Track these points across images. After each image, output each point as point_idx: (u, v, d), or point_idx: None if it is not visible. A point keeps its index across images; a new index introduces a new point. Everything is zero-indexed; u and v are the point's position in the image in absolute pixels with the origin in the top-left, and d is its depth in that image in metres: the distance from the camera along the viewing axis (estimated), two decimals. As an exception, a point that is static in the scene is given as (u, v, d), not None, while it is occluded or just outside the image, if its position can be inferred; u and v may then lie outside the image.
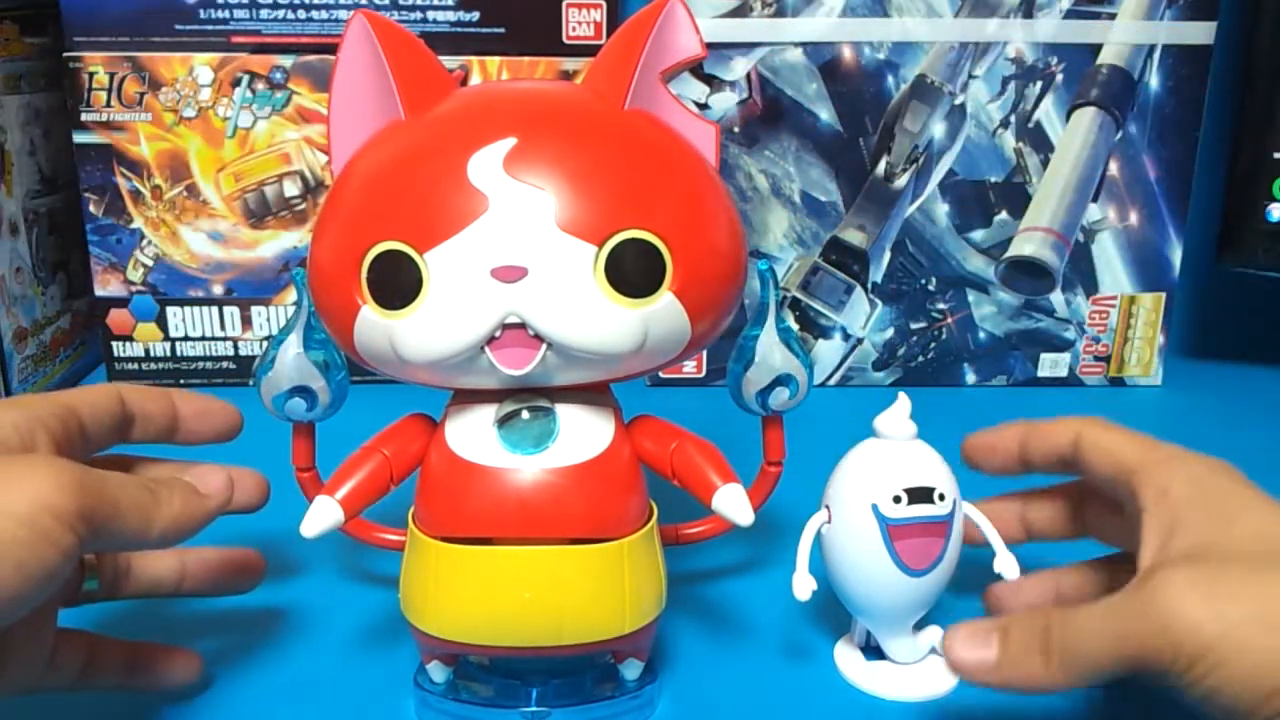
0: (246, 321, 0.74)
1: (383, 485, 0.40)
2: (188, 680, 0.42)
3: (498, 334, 0.36)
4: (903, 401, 0.43)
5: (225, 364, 0.75)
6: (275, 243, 0.72)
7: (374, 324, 0.37)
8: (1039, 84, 0.72)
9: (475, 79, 0.70)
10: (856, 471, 0.42)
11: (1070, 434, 0.41)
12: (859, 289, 0.75)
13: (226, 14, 0.69)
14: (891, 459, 0.42)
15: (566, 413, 0.39)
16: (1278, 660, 0.30)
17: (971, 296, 0.76)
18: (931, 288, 0.75)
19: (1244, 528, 0.34)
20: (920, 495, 0.41)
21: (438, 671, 0.41)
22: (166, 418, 0.43)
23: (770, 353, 0.42)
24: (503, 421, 0.38)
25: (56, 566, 0.32)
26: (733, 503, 0.39)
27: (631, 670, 0.42)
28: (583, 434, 0.39)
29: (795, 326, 0.39)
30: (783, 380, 0.42)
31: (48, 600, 0.34)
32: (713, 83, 0.71)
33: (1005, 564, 0.42)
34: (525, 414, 0.38)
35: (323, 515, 0.39)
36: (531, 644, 0.38)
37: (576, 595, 0.38)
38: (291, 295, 0.73)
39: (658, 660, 0.44)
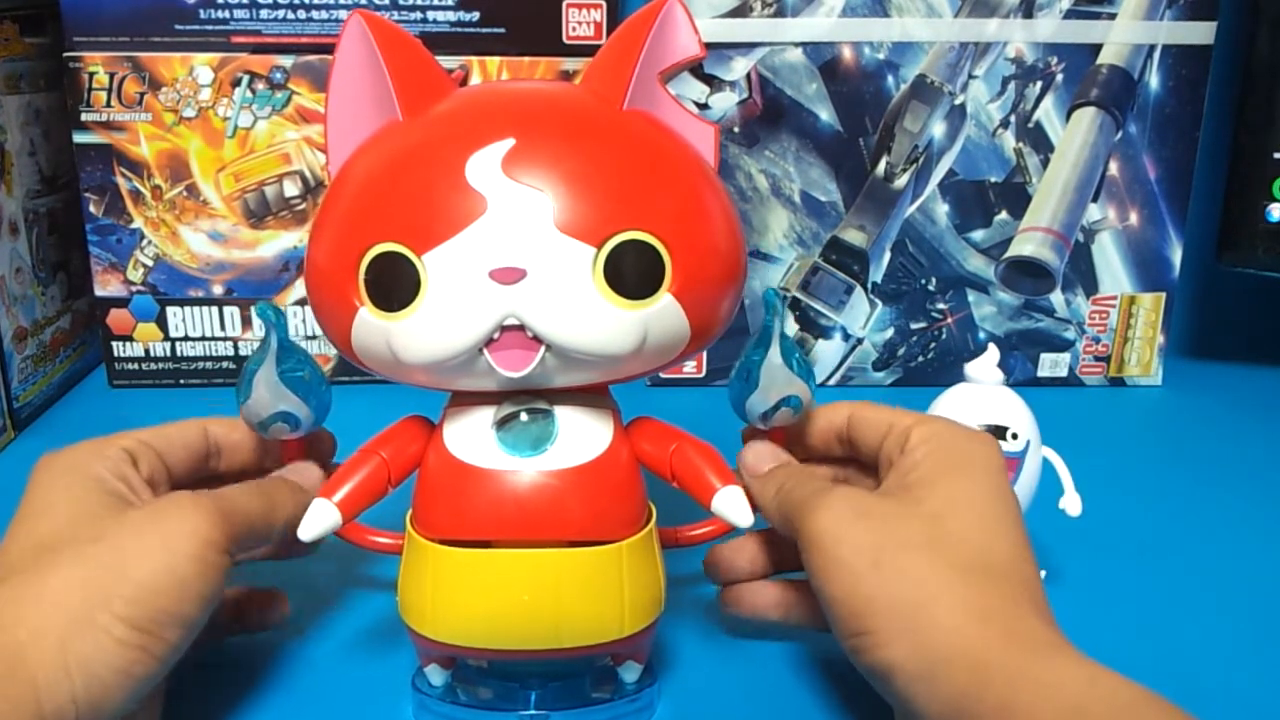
0: (246, 322, 0.74)
1: (380, 488, 0.40)
2: (280, 621, 0.45)
3: (496, 336, 0.35)
4: (992, 351, 0.49)
5: (225, 364, 0.75)
6: (275, 243, 0.72)
7: (372, 326, 0.37)
8: (1039, 84, 0.72)
9: (475, 79, 0.70)
10: (943, 410, 0.48)
11: (844, 411, 0.44)
12: (859, 289, 0.75)
13: (226, 14, 0.69)
14: (974, 400, 0.48)
15: (565, 415, 0.39)
16: (858, 590, 0.36)
17: (971, 296, 0.75)
18: (931, 288, 0.75)
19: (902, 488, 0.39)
20: (994, 433, 0.46)
21: (436, 674, 0.41)
22: (252, 449, 0.44)
23: (774, 377, 0.41)
24: (501, 424, 0.38)
25: (219, 588, 0.37)
26: (732, 504, 0.39)
27: (630, 673, 0.42)
28: (581, 436, 0.39)
29: (797, 347, 0.40)
30: (786, 401, 0.42)
31: None
32: (712, 83, 0.71)
33: (1070, 503, 0.48)
34: (524, 416, 0.38)
35: (320, 518, 0.39)
36: (529, 647, 0.38)
37: (574, 598, 0.38)
38: (292, 295, 0.73)
39: (657, 663, 0.44)
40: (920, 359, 0.77)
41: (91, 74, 0.69)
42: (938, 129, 0.72)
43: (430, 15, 0.70)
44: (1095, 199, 0.74)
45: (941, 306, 0.76)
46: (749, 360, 0.42)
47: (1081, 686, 0.32)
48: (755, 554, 0.45)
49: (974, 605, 0.35)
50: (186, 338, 0.74)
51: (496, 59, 0.70)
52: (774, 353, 0.41)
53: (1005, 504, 0.38)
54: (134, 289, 0.73)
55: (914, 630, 0.35)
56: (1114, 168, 0.73)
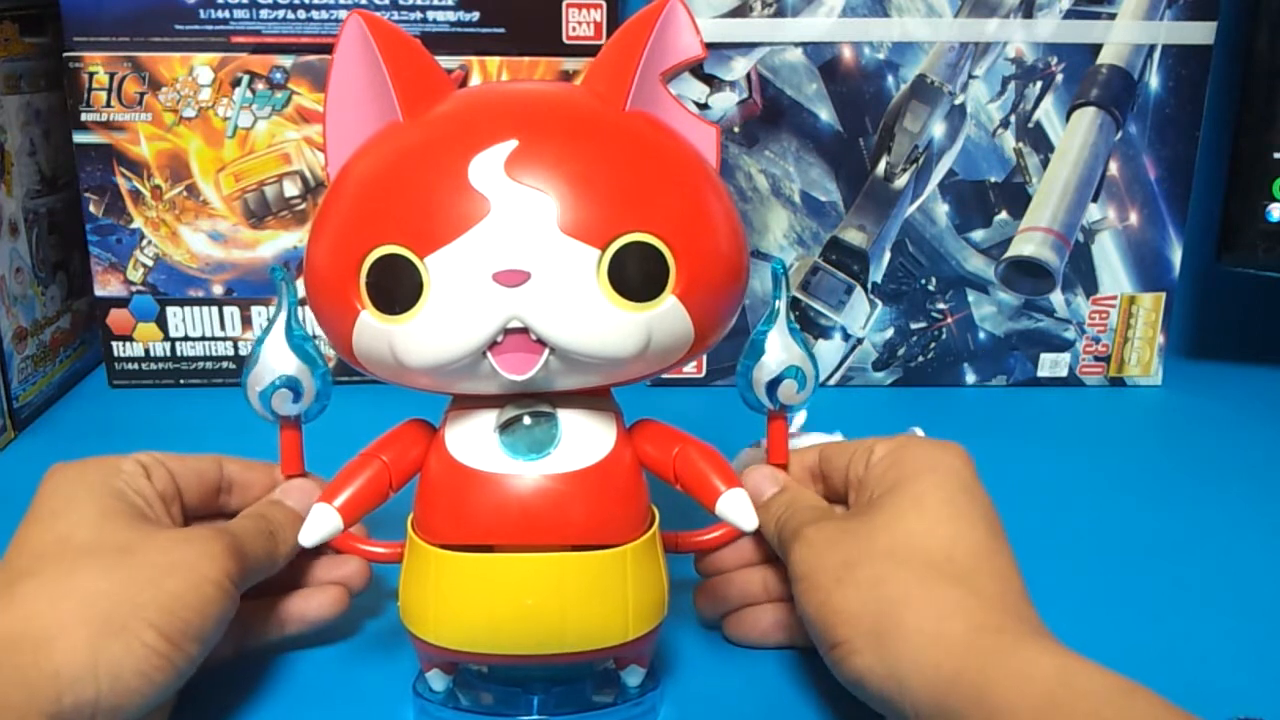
0: (246, 322, 0.74)
1: (382, 492, 0.40)
2: (337, 613, 0.45)
3: (500, 339, 0.35)
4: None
5: (225, 364, 0.74)
6: (275, 243, 0.72)
7: (373, 329, 0.37)
8: (1039, 84, 0.72)
9: (475, 79, 0.70)
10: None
11: (814, 451, 0.46)
12: (859, 289, 0.75)
13: (226, 14, 0.69)
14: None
15: (568, 418, 0.38)
16: (827, 605, 0.38)
17: (971, 296, 0.75)
18: (931, 288, 0.75)
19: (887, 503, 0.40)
20: None
21: (437, 680, 0.41)
22: (264, 489, 0.45)
23: (780, 347, 0.43)
24: (504, 427, 0.38)
25: (230, 615, 0.39)
26: (737, 507, 0.39)
27: (633, 677, 0.42)
28: (584, 439, 0.38)
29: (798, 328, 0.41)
30: (790, 373, 0.42)
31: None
32: (713, 83, 0.70)
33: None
34: (526, 419, 0.38)
35: (321, 523, 0.39)
36: (533, 651, 0.38)
37: (578, 602, 0.38)
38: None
39: (660, 667, 0.44)
40: (920, 359, 0.76)
41: (91, 74, 0.69)
42: (938, 129, 0.72)
43: (430, 15, 0.70)
44: (1095, 199, 0.74)
45: (941, 306, 0.76)
46: (756, 334, 0.43)
47: (1053, 674, 0.32)
48: (743, 583, 0.46)
49: (935, 605, 0.35)
50: (186, 338, 0.74)
51: (496, 59, 0.70)
52: (780, 323, 0.42)
53: (967, 502, 0.39)
54: (134, 289, 0.73)
55: (878, 636, 0.36)
56: (1114, 168, 0.73)
